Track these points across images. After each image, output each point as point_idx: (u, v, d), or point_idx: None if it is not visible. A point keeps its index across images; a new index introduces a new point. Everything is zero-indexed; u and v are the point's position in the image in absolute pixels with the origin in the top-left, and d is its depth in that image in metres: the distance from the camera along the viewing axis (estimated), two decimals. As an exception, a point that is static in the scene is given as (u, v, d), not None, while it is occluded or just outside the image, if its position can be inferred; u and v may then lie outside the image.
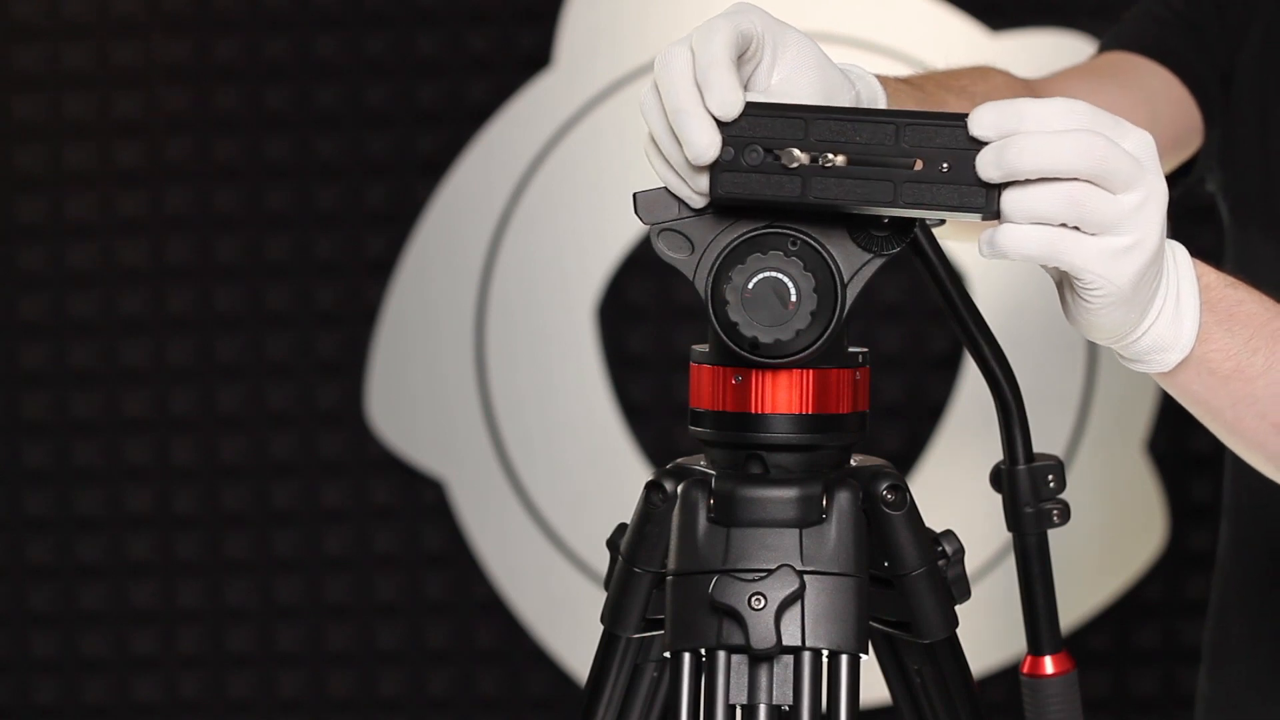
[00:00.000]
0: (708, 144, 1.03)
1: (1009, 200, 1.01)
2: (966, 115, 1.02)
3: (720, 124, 1.04)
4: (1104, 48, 1.67)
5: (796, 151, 1.03)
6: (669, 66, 1.04)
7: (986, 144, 1.01)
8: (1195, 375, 1.12)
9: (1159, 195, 1.03)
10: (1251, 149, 1.64)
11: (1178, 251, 1.11)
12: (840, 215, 1.06)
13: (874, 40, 2.63)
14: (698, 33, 1.04)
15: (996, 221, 1.03)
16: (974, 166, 1.02)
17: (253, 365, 2.74)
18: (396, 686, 2.75)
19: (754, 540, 1.09)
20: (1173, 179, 1.67)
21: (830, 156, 1.03)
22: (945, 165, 1.02)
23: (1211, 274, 1.12)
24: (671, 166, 1.07)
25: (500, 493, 2.73)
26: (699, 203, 1.07)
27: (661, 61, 1.05)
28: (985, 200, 1.02)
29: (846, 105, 1.12)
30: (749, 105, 1.04)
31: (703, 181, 1.05)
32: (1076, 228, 1.02)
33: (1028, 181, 1.01)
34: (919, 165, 1.02)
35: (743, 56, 1.06)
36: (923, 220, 1.08)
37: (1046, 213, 1.01)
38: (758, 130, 1.04)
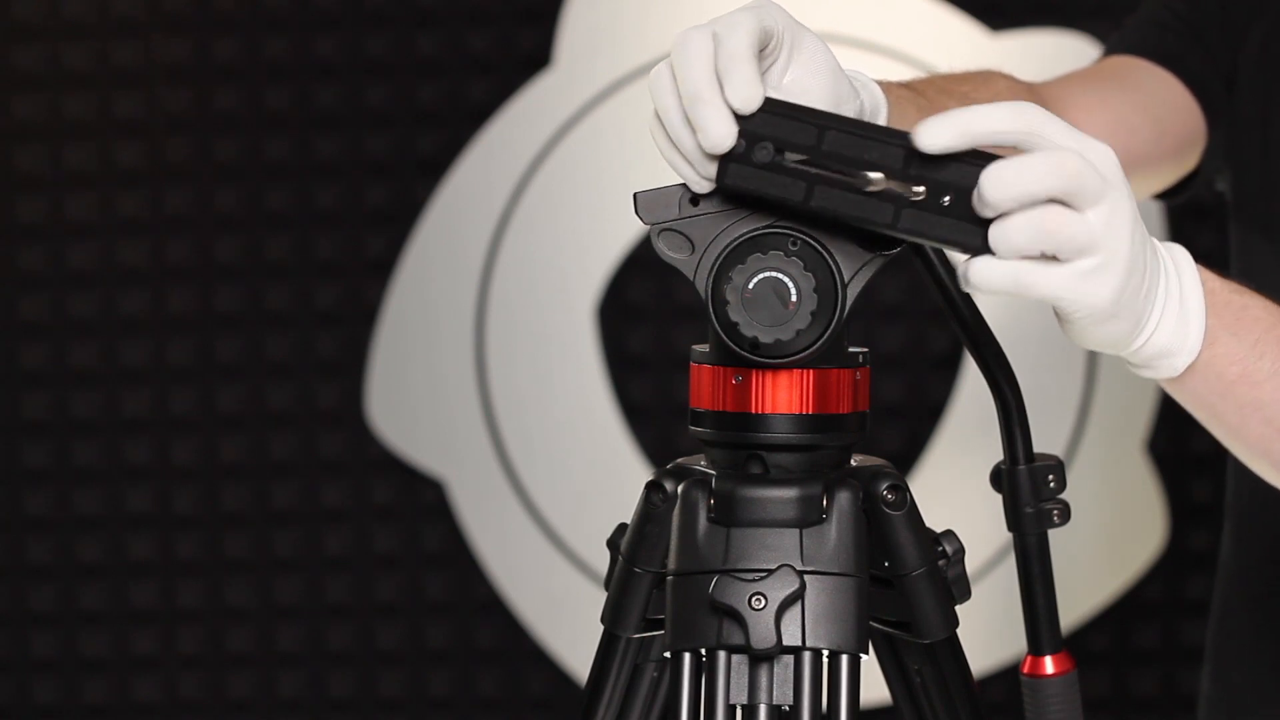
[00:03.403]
0: (725, 134, 1.03)
1: (992, 236, 1.01)
2: (984, 163, 1.01)
3: (736, 116, 1.04)
4: (1108, 52, 1.67)
5: (875, 176, 1.02)
6: (688, 51, 1.04)
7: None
8: (1202, 380, 1.12)
9: (1124, 207, 1.03)
10: (1252, 151, 1.64)
11: (1178, 255, 1.10)
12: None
13: (874, 40, 2.63)
14: (722, 22, 1.04)
15: None
16: (973, 206, 1.02)
17: (253, 365, 2.74)
18: (396, 686, 2.75)
19: (754, 540, 1.09)
20: (1180, 187, 1.67)
21: (917, 190, 1.02)
22: (947, 199, 1.02)
23: (1215, 279, 1.12)
24: (678, 149, 1.06)
25: (500, 493, 2.73)
26: (701, 187, 1.07)
27: (680, 45, 1.04)
28: (981, 241, 1.02)
29: (853, 114, 1.12)
30: (766, 101, 1.04)
31: (712, 168, 1.05)
32: (1054, 256, 1.02)
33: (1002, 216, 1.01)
34: (922, 191, 1.02)
35: (762, 52, 1.06)
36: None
37: (1022, 245, 1.01)
38: (771, 128, 1.04)
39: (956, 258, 1.07)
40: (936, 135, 1.01)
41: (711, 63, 1.04)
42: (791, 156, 1.04)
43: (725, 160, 1.05)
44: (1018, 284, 1.02)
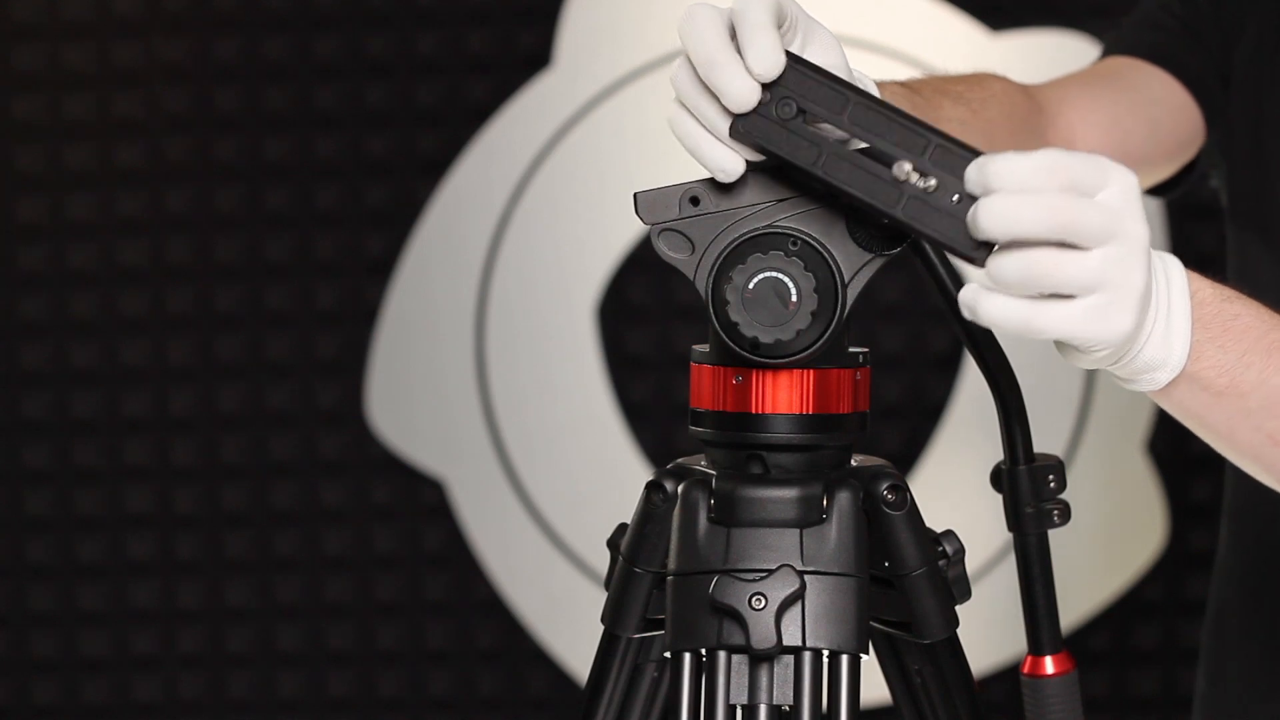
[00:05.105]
0: (746, 89, 1.02)
1: (992, 262, 1.01)
2: None
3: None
4: (1105, 53, 1.67)
5: (908, 166, 1.02)
6: (696, 21, 1.03)
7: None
8: (1188, 392, 1.11)
9: (1137, 242, 1.01)
10: (1246, 149, 1.64)
11: (1171, 268, 1.08)
12: (841, 210, 1.07)
13: (874, 40, 2.63)
14: (739, 1, 1.04)
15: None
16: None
17: (253, 365, 2.74)
18: (396, 686, 2.75)
19: (754, 540, 1.09)
20: (1176, 180, 1.67)
21: (932, 181, 1.02)
22: (956, 197, 1.02)
23: (1207, 289, 1.10)
24: (703, 125, 1.05)
25: (500, 493, 2.73)
26: (727, 173, 1.06)
27: (687, 18, 1.03)
28: (974, 249, 1.02)
29: None
30: (795, 59, 1.04)
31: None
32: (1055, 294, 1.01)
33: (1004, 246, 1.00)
34: (933, 185, 1.02)
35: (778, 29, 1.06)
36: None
37: (1014, 281, 1.00)
38: (800, 88, 1.04)
39: (963, 272, 1.06)
40: (972, 182, 1.00)
41: (724, 29, 1.03)
42: (812, 122, 1.04)
43: (741, 115, 1.04)
44: (1026, 324, 1.00)
